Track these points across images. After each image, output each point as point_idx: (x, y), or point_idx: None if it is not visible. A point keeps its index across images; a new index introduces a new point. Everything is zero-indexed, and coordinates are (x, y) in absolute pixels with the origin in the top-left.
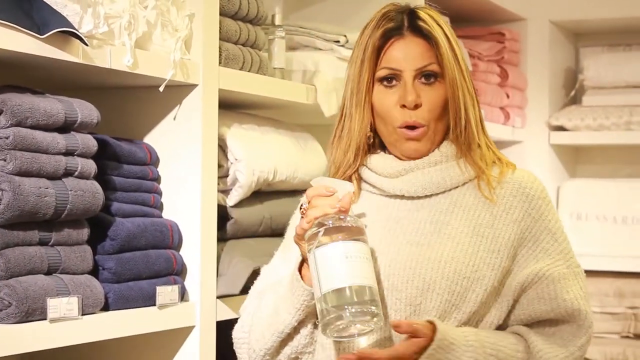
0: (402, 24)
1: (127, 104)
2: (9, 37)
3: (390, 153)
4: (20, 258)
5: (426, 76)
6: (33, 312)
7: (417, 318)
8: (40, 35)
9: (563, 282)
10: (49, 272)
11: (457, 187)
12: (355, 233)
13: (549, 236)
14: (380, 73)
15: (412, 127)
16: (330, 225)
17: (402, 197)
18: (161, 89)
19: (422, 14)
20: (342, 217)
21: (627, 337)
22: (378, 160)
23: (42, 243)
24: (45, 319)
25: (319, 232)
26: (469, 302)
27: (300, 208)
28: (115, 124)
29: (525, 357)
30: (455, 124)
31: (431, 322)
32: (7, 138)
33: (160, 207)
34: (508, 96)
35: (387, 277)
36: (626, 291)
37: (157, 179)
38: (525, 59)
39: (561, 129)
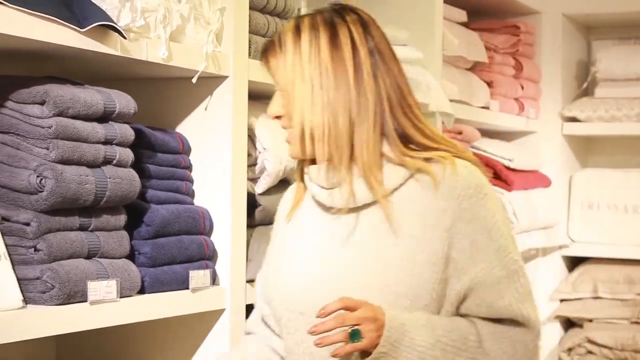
0: (272, 41)
1: (161, 94)
2: (51, 30)
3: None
4: (62, 243)
5: (283, 90)
6: (74, 295)
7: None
8: (81, 28)
9: (497, 289)
10: (89, 257)
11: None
12: None
13: (484, 235)
14: None
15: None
16: None
17: (339, 209)
18: (194, 80)
19: (285, 28)
20: None
21: (637, 322)
22: (313, 170)
23: (83, 228)
24: (86, 301)
25: None
26: None
27: None
28: (150, 114)
29: (477, 340)
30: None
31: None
32: (49, 127)
33: (192, 194)
34: (522, 87)
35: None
36: (635, 278)
37: (189, 167)
38: (539, 52)
39: (574, 120)
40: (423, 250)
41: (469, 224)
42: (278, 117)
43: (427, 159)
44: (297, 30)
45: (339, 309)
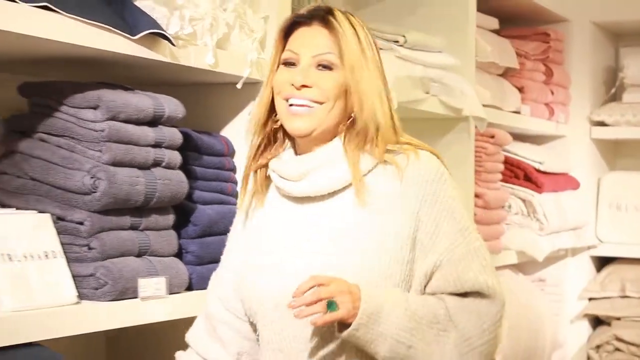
0: (314, 14)
1: (207, 99)
2: (104, 37)
3: (290, 147)
4: (114, 241)
5: (322, 64)
6: (126, 291)
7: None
8: (132, 36)
9: (463, 263)
10: (139, 255)
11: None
12: None
13: (448, 216)
14: (283, 55)
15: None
16: None
17: (309, 198)
18: (239, 85)
19: (336, 11)
20: None
21: None
22: (278, 163)
23: (133, 228)
24: (137, 297)
25: None
26: None
27: None
28: (196, 118)
29: (446, 314)
30: (358, 109)
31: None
32: (102, 131)
33: (235, 195)
34: (552, 93)
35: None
36: None
37: (233, 169)
38: (568, 58)
39: (602, 124)
40: (392, 233)
41: (433, 207)
42: (305, 87)
43: (390, 151)
44: (349, 22)
45: (312, 287)
